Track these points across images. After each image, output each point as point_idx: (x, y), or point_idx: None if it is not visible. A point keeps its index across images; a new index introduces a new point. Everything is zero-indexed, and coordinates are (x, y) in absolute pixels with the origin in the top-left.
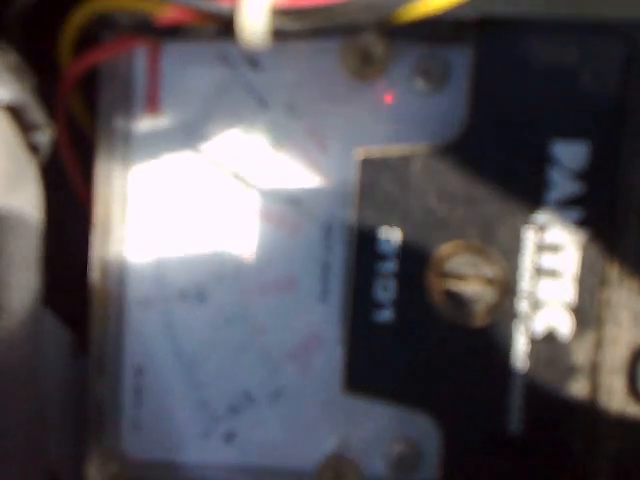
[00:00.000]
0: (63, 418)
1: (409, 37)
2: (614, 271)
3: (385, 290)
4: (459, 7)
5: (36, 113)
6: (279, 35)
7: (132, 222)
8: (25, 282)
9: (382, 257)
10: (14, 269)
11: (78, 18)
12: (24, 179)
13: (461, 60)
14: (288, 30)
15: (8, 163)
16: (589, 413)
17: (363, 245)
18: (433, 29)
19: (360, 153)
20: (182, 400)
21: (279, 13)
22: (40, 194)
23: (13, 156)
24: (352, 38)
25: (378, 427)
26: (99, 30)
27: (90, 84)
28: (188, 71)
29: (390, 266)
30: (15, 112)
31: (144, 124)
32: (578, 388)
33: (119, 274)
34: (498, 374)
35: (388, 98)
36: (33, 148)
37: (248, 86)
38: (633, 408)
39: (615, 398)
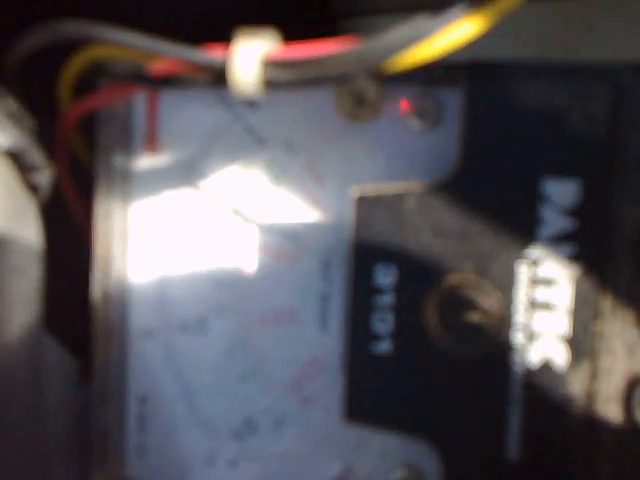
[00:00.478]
0: (65, 444)
1: (401, 81)
2: (607, 303)
3: (382, 322)
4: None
5: (35, 155)
6: (271, 85)
7: (133, 256)
8: (25, 321)
9: (379, 291)
10: (13, 306)
11: (75, 64)
12: (24, 218)
13: (453, 100)
14: (280, 81)
15: (8, 203)
16: (586, 441)
17: (360, 279)
18: (425, 73)
19: (356, 191)
20: (185, 427)
21: (270, 64)
22: (40, 232)
23: (13, 196)
24: (345, 84)
25: (379, 455)
26: (96, 76)
27: (91, 123)
28: (186, 112)
29: (387, 299)
30: (14, 156)
31: (143, 162)
32: (575, 417)
33: (120, 307)
34: (496, 403)
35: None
36: (33, 188)
37: (246, 125)
38: (630, 436)
39: (612, 426)
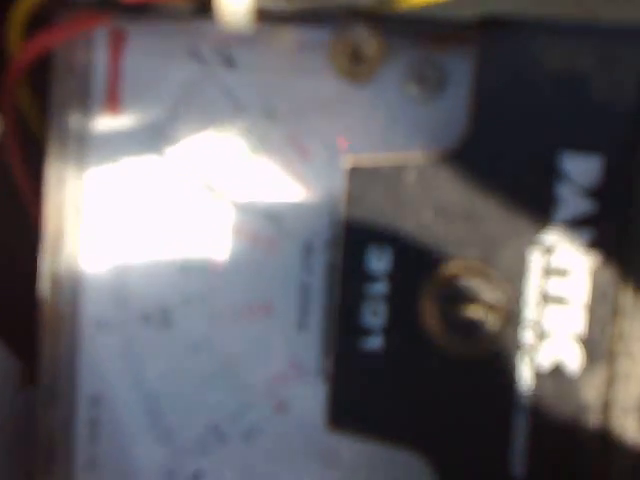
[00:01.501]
0: (7, 456)
1: (404, 36)
2: (628, 299)
3: (374, 315)
4: (460, 4)
5: None
6: (263, 17)
7: (88, 234)
8: None
9: (371, 278)
10: None
11: None
12: None
13: (461, 64)
14: (273, 11)
15: None
16: (600, 455)
17: (350, 263)
18: (431, 28)
19: (348, 161)
20: (143, 435)
21: None
22: None
23: None
24: (343, 32)
25: (366, 470)
26: (54, 10)
27: (42, 76)
28: (155, 65)
29: (380, 288)
30: None
31: (103, 123)
32: (588, 427)
33: (72, 292)
34: (500, 411)
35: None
36: None
37: (222, 86)
38: None
39: (629, 439)
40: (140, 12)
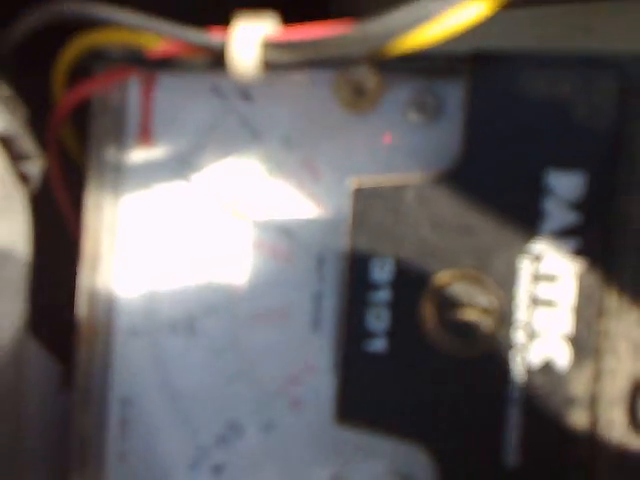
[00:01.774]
0: (44, 452)
1: (402, 71)
2: (612, 301)
3: (378, 319)
4: (452, 42)
5: (27, 143)
6: (270, 67)
7: (122, 253)
8: (10, 311)
9: (375, 286)
10: (0, 293)
11: (71, 51)
12: (12, 207)
13: (455, 93)
14: (279, 63)
15: None
16: (588, 445)
17: (356, 274)
18: (426, 63)
19: (353, 183)
20: (169, 431)
21: (270, 45)
22: (28, 223)
23: (1, 184)
24: (345, 71)
25: (372, 460)
26: (92, 62)
27: (82, 115)
28: (181, 102)
29: (383, 295)
30: (5, 142)
31: (136, 154)
32: (577, 420)
33: (107, 305)
34: (494, 405)
35: (387, 138)
36: (23, 177)
37: (241, 118)
38: (634, 441)
39: (615, 430)
40: (164, 66)
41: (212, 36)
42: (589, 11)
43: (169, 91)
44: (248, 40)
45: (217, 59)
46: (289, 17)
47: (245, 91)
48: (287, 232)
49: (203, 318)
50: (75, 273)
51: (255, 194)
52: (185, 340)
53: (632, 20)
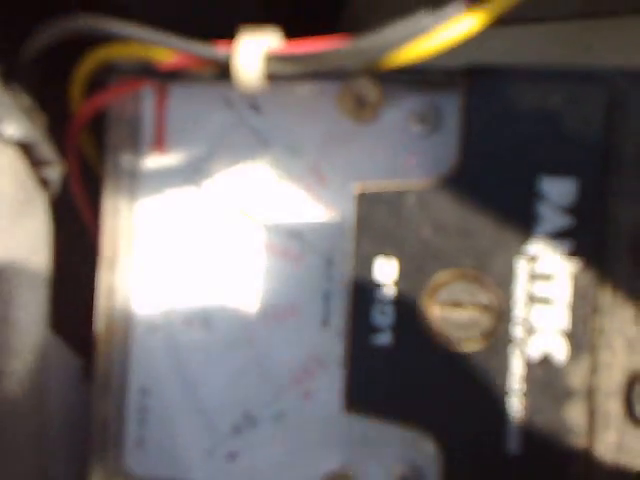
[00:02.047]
0: (66, 443)
1: (401, 83)
2: (606, 299)
3: (383, 315)
4: (448, 56)
5: (46, 150)
6: (273, 79)
7: (139, 253)
8: (33, 310)
9: (379, 284)
10: (23, 293)
11: (87, 64)
12: (34, 211)
13: (453, 105)
14: (282, 74)
15: (18, 194)
16: (586, 435)
17: (361, 273)
18: (424, 77)
19: (357, 188)
20: (186, 420)
21: (273, 58)
22: (49, 226)
23: (23, 188)
24: (347, 83)
25: (379, 452)
26: (106, 74)
27: (99, 123)
28: (193, 112)
29: (387, 293)
30: (26, 148)
31: (151, 162)
32: (575, 411)
33: (125, 301)
34: (495, 397)
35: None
36: (43, 182)
37: (251, 128)
38: (630, 431)
39: (612, 421)
40: (173, 77)
41: (218, 49)
42: (588, 28)
43: (182, 102)
44: (252, 53)
45: (223, 71)
46: (295, 31)
47: (254, 102)
48: (296, 234)
49: (217, 314)
50: (94, 273)
51: (265, 199)
52: (200, 335)
53: (631, 36)
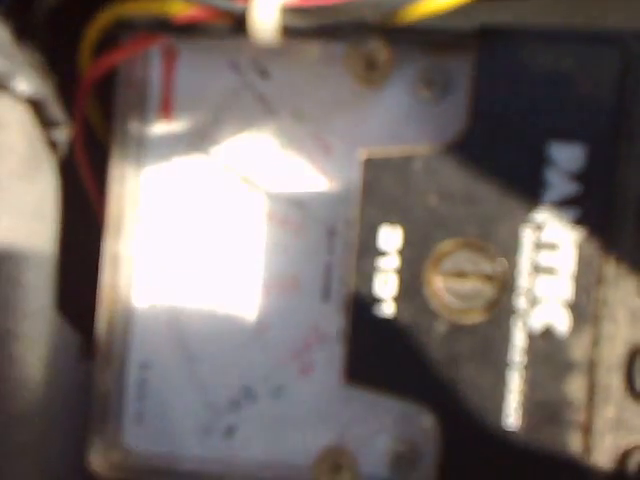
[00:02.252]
0: (69, 416)
1: (412, 44)
2: (611, 269)
3: (385, 285)
4: (459, 16)
5: (56, 110)
6: (288, 33)
7: (144, 221)
8: (42, 269)
9: (383, 253)
10: (32, 254)
11: (99, 22)
12: (43, 171)
13: (462, 69)
14: (297, 27)
15: (27, 152)
16: (586, 409)
17: (365, 241)
18: (435, 38)
19: (363, 153)
20: (185, 394)
21: (288, 11)
22: (57, 189)
23: (32, 147)
24: (357, 44)
25: (377, 423)
26: (117, 32)
27: (105, 88)
28: (201, 78)
29: (391, 262)
30: (36, 106)
31: (157, 127)
32: (576, 384)
33: (129, 273)
34: (496, 369)
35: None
36: (52, 144)
37: (257, 93)
38: (630, 405)
39: (612, 395)
40: (187, 31)
41: (235, 1)
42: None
43: (190, 65)
44: (268, 6)
45: (239, 24)
46: None
47: (262, 67)
48: (299, 204)
49: (217, 285)
50: (98, 245)
51: (269, 167)
52: (200, 304)
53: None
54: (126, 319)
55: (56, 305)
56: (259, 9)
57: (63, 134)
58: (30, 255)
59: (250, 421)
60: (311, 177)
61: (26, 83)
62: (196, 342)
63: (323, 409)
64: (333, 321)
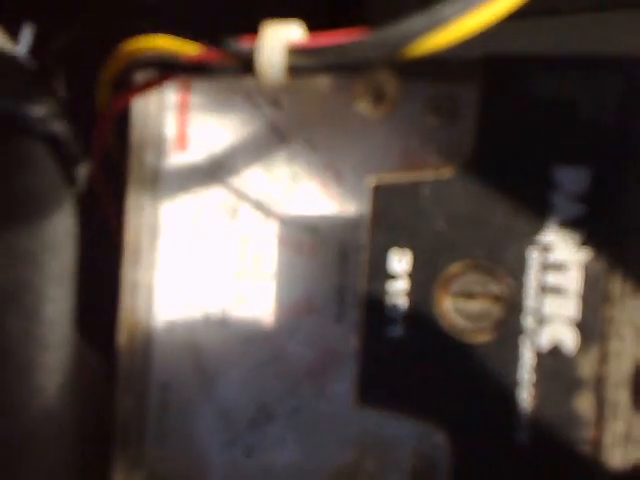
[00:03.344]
0: (91, 437)
1: (419, 76)
2: (617, 288)
3: (396, 307)
4: (465, 47)
5: (75, 147)
6: (295, 72)
7: (161, 250)
8: (62, 302)
9: (393, 276)
10: (51, 287)
11: (114, 61)
12: (62, 207)
13: (469, 95)
14: (304, 67)
15: (47, 190)
16: (595, 424)
17: (375, 265)
18: (441, 68)
19: (372, 180)
20: (204, 414)
21: (294, 51)
22: (76, 223)
23: (52, 184)
24: (366, 78)
25: (392, 444)
26: (132, 71)
27: (124, 121)
28: (215, 110)
29: (401, 284)
30: (56, 144)
31: (173, 159)
32: (584, 400)
33: (147, 298)
34: (506, 388)
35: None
36: (71, 180)
37: (270, 123)
38: (638, 422)
39: (620, 411)
40: (198, 71)
41: (241, 43)
42: (606, 20)
43: (204, 98)
44: (275, 46)
45: (246, 65)
46: (317, 25)
47: (275, 98)
48: (312, 229)
49: (234, 310)
50: (117, 272)
51: (282, 194)
52: (217, 329)
53: None
54: (146, 342)
55: (79, 330)
56: (265, 50)
57: (82, 170)
58: (49, 289)
59: (268, 441)
60: (323, 203)
61: (46, 122)
62: (213, 364)
63: (339, 430)
64: (347, 342)
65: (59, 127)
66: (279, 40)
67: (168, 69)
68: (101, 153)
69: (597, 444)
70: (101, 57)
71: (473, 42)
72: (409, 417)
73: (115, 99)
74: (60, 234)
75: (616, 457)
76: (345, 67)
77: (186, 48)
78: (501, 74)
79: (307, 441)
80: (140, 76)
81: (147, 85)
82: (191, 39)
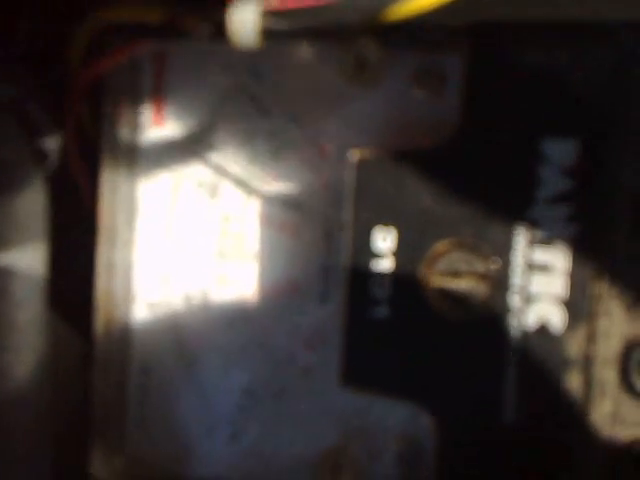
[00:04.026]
0: (69, 427)
1: (403, 44)
2: (605, 265)
3: (381, 287)
4: (451, 14)
5: (43, 118)
6: (271, 36)
7: (138, 228)
8: (32, 281)
9: (378, 255)
10: (22, 266)
11: (85, 28)
12: (31, 182)
13: (456, 67)
14: (278, 30)
15: (14, 162)
16: (582, 404)
17: (359, 243)
18: (426, 35)
19: (355, 154)
20: (186, 399)
21: (269, 14)
22: (47, 199)
23: (19, 157)
24: (347, 44)
25: (378, 426)
26: (105, 37)
27: (98, 94)
28: (192, 80)
29: (386, 264)
30: (22, 115)
31: (149, 133)
32: (571, 380)
33: (125, 278)
34: (492, 366)
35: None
36: (41, 154)
37: (250, 95)
38: (625, 400)
39: (608, 390)
40: (170, 36)
41: (212, 6)
42: None
43: (180, 68)
44: (247, 8)
45: (218, 28)
46: None
47: (254, 69)
48: (295, 207)
49: (216, 291)
50: (92, 250)
51: (264, 169)
52: (199, 310)
53: None
54: (124, 325)
55: (54, 314)
56: (238, 13)
57: (52, 143)
58: (18, 268)
59: (253, 424)
60: (306, 179)
61: (8, 86)
62: (195, 347)
63: (324, 410)
64: (332, 322)
65: (25, 98)
66: (252, 2)
67: (139, 34)
68: (75, 125)
69: (585, 424)
70: (72, 21)
71: (458, 10)
72: (394, 399)
73: (85, 69)
74: (30, 211)
75: (604, 437)
76: (321, 31)
77: (156, 13)
78: (487, 42)
79: (292, 424)
80: (113, 44)
81: (117, 52)
82: (161, 3)
